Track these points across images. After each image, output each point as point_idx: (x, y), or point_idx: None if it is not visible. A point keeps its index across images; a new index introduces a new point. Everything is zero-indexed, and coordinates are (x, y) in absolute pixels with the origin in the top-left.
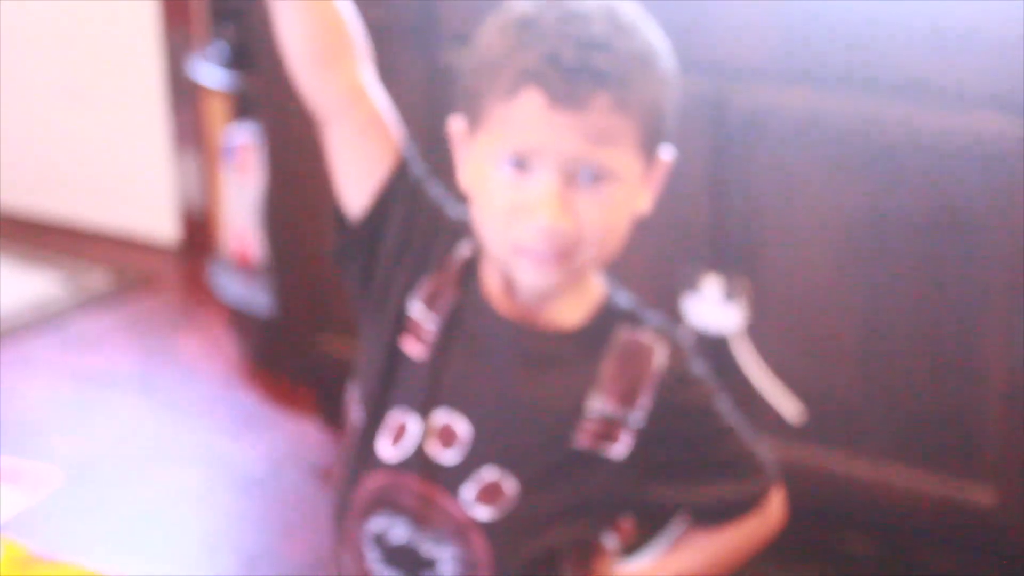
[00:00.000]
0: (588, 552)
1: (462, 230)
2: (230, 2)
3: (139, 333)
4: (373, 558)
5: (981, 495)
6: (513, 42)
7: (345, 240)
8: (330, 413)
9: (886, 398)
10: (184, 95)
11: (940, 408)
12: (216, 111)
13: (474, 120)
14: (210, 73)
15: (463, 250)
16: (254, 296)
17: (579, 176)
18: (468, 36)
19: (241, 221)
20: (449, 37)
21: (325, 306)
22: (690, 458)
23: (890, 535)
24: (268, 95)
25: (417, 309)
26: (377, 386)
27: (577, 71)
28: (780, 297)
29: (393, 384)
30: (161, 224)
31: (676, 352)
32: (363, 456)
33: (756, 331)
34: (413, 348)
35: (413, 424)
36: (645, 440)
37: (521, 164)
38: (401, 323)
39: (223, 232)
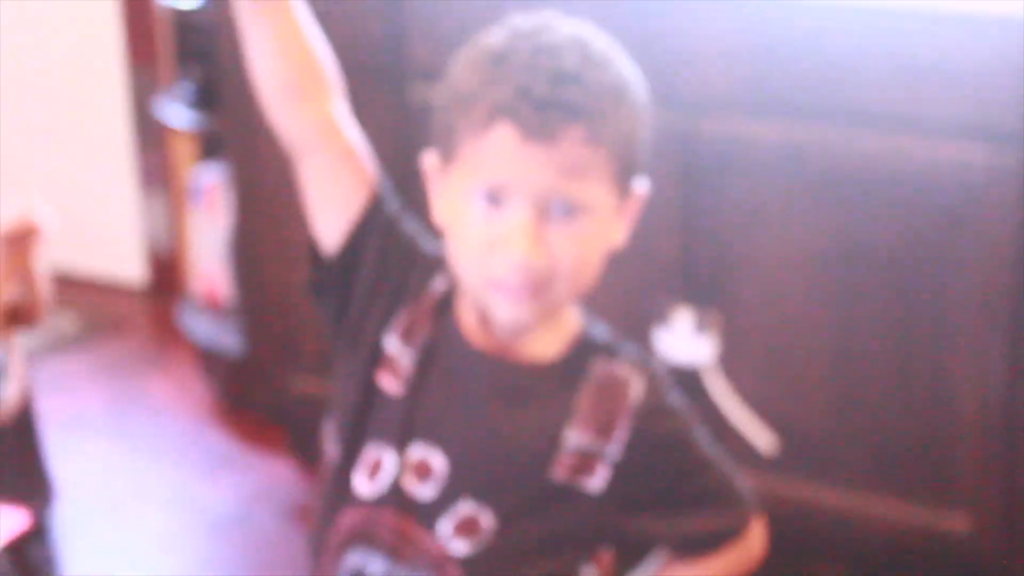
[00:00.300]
0: None
1: (437, 264)
2: (196, 42)
3: (108, 375)
4: None
5: (955, 522)
6: (485, 76)
7: (320, 274)
8: (303, 452)
9: (859, 428)
10: (151, 136)
11: (913, 437)
12: (183, 151)
13: (447, 155)
14: (177, 113)
15: (438, 284)
16: (223, 336)
17: (552, 209)
18: (436, 73)
19: (210, 261)
20: (417, 75)
21: (295, 345)
22: (668, 490)
23: (864, 565)
24: (236, 134)
25: (392, 344)
26: (352, 421)
27: (549, 104)
28: (752, 329)
29: (369, 419)
30: (129, 266)
31: (653, 384)
32: (339, 492)
33: (728, 363)
34: (388, 383)
35: (389, 459)
36: (622, 472)
37: (494, 198)
38: (376, 358)
39: (191, 273)
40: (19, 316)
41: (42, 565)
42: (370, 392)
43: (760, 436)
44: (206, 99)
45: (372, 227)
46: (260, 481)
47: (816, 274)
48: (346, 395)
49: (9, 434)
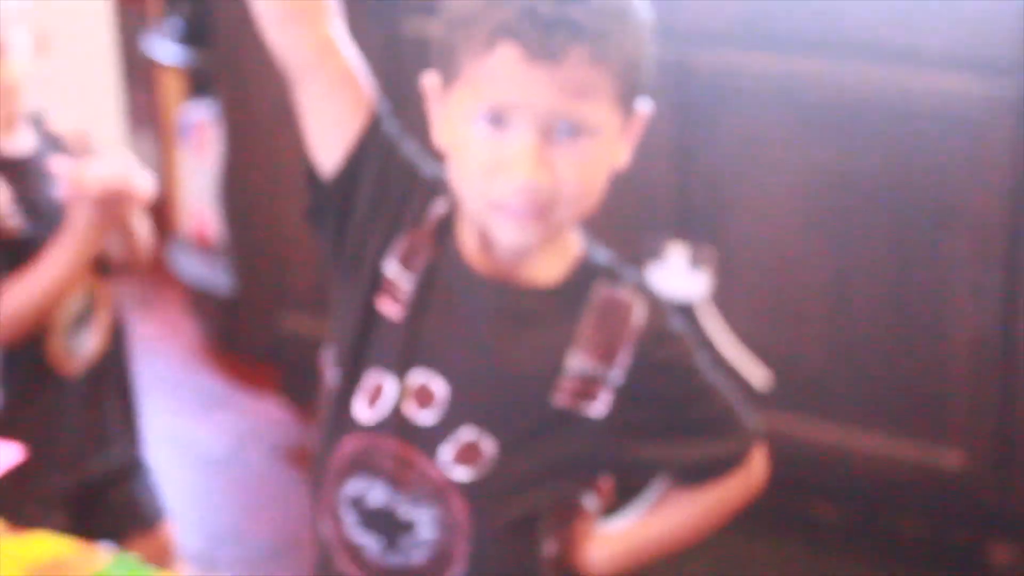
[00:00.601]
0: (569, 513)
1: (437, 187)
2: None
3: None
4: (351, 522)
5: (950, 459)
6: None
7: (318, 199)
8: (293, 392)
9: (853, 364)
10: (139, 74)
11: (907, 373)
12: (172, 89)
13: (449, 76)
14: (165, 50)
15: (439, 207)
16: (214, 276)
17: (556, 131)
18: (429, 7)
19: (199, 200)
20: (410, 8)
21: (286, 284)
22: (670, 416)
23: (858, 501)
24: (226, 70)
25: (392, 268)
26: (352, 347)
27: (553, 24)
28: (746, 264)
29: (369, 345)
30: None
31: (655, 308)
32: (339, 419)
33: (722, 298)
34: (389, 308)
35: (389, 385)
36: (625, 398)
37: (497, 120)
38: (376, 283)
39: (181, 212)
40: (114, 268)
41: (141, 501)
42: (370, 318)
43: (754, 372)
44: (194, 35)
45: (371, 149)
46: (251, 420)
47: (811, 208)
48: (345, 322)
49: (88, 382)
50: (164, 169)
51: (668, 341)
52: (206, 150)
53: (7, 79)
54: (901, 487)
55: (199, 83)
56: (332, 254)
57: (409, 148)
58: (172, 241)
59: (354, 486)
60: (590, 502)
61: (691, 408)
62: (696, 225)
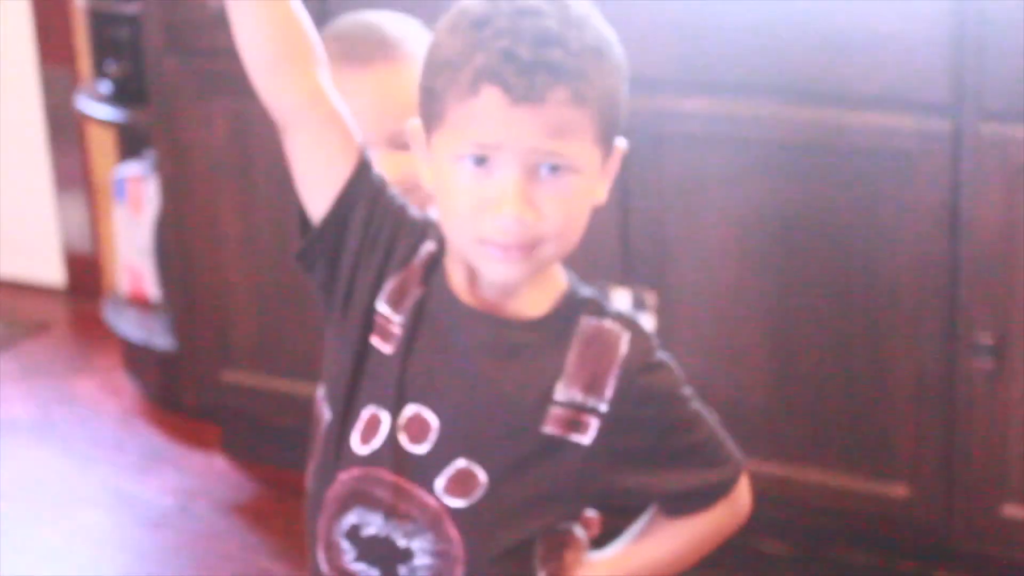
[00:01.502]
0: (560, 541)
1: (426, 228)
2: (115, 35)
3: (35, 378)
4: (349, 554)
5: (895, 491)
6: (468, 41)
7: (308, 242)
8: (235, 447)
9: (797, 401)
10: (66, 135)
11: (851, 408)
12: (103, 148)
13: (433, 119)
14: (96, 109)
15: (427, 247)
16: (151, 333)
17: (540, 169)
18: None
19: (134, 258)
20: None
21: (226, 340)
22: (658, 444)
23: (806, 535)
24: (162, 128)
25: (384, 307)
26: (346, 384)
27: (534, 67)
28: (688, 305)
29: (362, 381)
30: (51, 267)
31: (640, 339)
32: (335, 454)
33: (665, 340)
34: (381, 345)
35: (384, 419)
36: (612, 426)
37: (482, 160)
38: (368, 322)
39: (116, 270)
40: None
41: None
42: (363, 355)
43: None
44: (126, 94)
45: (359, 193)
46: (194, 477)
47: (751, 248)
48: (339, 359)
49: None
50: (95, 227)
51: (654, 370)
52: (141, 207)
53: None
54: (847, 519)
55: (131, 142)
56: (324, 295)
57: (395, 191)
58: (108, 299)
59: (351, 518)
60: (580, 530)
61: (678, 437)
62: (638, 268)
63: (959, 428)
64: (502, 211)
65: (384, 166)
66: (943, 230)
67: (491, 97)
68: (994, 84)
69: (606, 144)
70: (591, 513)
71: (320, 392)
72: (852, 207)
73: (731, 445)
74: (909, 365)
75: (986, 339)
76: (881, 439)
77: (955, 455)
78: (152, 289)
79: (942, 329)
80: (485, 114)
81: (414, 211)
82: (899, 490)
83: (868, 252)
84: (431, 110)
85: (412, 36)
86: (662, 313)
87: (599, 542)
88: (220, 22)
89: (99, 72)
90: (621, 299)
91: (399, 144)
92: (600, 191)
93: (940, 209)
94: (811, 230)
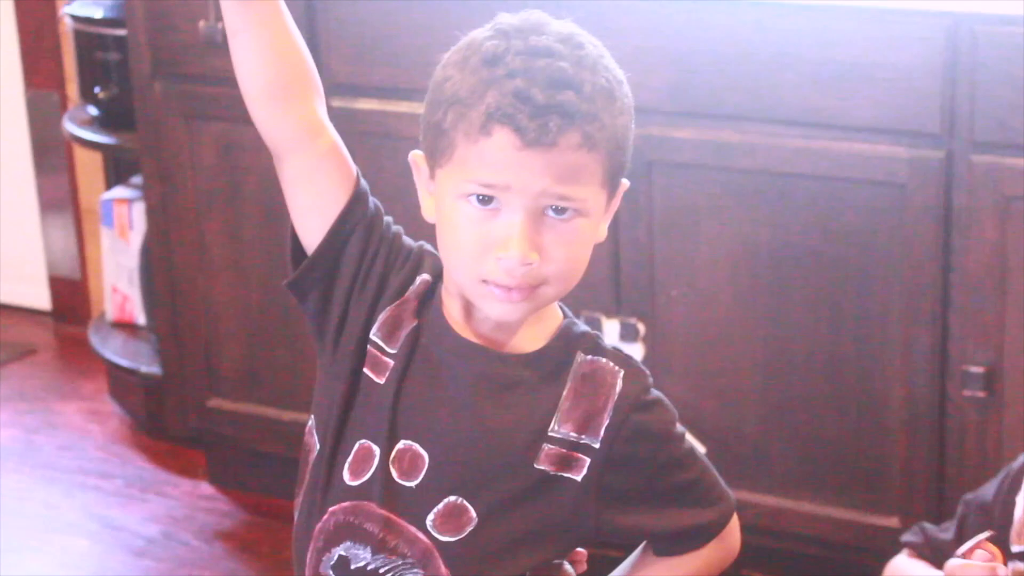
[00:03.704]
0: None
1: (421, 258)
2: (104, 59)
3: (19, 403)
4: None
5: (887, 523)
6: (481, 78)
7: (301, 272)
8: (220, 474)
9: (789, 432)
10: (54, 157)
11: (842, 439)
12: (89, 172)
13: (439, 155)
14: (84, 133)
15: (422, 278)
16: (137, 359)
17: (546, 211)
18: (352, 87)
19: (121, 282)
20: (333, 89)
21: (212, 366)
22: (650, 483)
23: (796, 565)
24: (149, 153)
25: (377, 338)
26: (338, 416)
27: (546, 111)
28: (679, 335)
29: (354, 413)
30: (36, 291)
31: (635, 376)
32: (326, 485)
33: (655, 371)
34: (374, 377)
35: (375, 452)
36: (605, 464)
37: (488, 200)
38: (361, 353)
39: (101, 295)
40: None
41: None
42: (355, 387)
43: (688, 439)
44: (114, 117)
45: (354, 223)
46: (179, 504)
47: (742, 277)
48: (331, 390)
49: None
50: (82, 251)
51: (648, 408)
52: (128, 231)
53: None
54: (839, 550)
55: (118, 166)
56: (316, 326)
57: (390, 222)
58: (94, 324)
59: (340, 551)
60: (569, 566)
61: (670, 476)
62: (627, 297)
63: (950, 458)
64: (507, 253)
65: None
66: (935, 260)
67: (502, 139)
68: (986, 114)
69: (612, 185)
70: (579, 549)
71: (310, 422)
72: (843, 236)
73: (722, 485)
74: (901, 395)
75: (978, 369)
76: (873, 469)
77: (947, 485)
78: (138, 314)
79: (934, 359)
80: (495, 155)
81: (408, 241)
82: (891, 521)
83: (860, 281)
84: (438, 145)
85: None
86: (652, 343)
87: None
88: (208, 47)
89: (86, 96)
90: (611, 329)
91: None
92: (602, 231)
93: (932, 239)
94: (802, 259)
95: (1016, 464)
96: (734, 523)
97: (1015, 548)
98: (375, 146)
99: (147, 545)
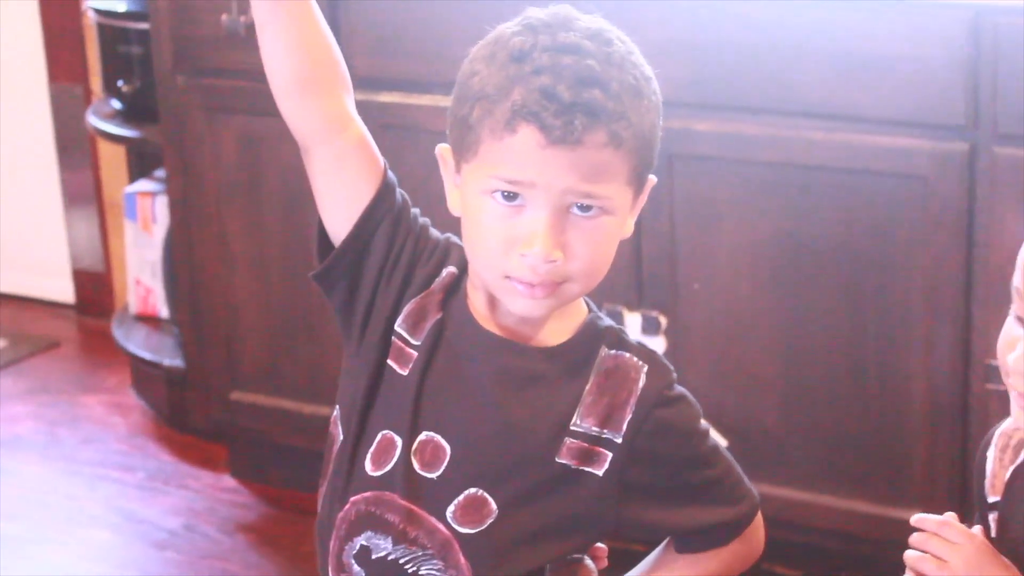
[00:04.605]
0: (570, 571)
1: (448, 251)
2: (127, 52)
3: (42, 396)
4: None
5: (908, 514)
6: (508, 74)
7: (328, 264)
8: (243, 467)
9: (809, 424)
10: (78, 151)
11: (864, 431)
12: (113, 166)
13: (465, 150)
14: (107, 126)
15: (448, 271)
16: (160, 352)
17: (571, 209)
18: (375, 81)
19: (144, 276)
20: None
21: (235, 359)
22: (673, 479)
23: (818, 560)
24: (172, 146)
25: (403, 330)
26: (361, 406)
27: (573, 109)
28: (700, 328)
29: (377, 404)
30: (60, 284)
31: (659, 372)
32: (348, 477)
33: (676, 363)
34: (399, 368)
35: (397, 442)
36: (627, 459)
37: (513, 196)
38: (386, 344)
39: (125, 288)
40: None
41: None
42: (379, 378)
43: (712, 436)
44: (137, 111)
45: (381, 215)
46: (201, 496)
47: (763, 270)
48: (355, 380)
49: None
50: (105, 244)
51: (671, 404)
52: (151, 225)
53: None
54: (860, 544)
55: (141, 159)
56: (342, 317)
57: (417, 214)
58: (117, 317)
59: (362, 541)
60: (589, 561)
61: (694, 473)
62: (649, 290)
63: (973, 451)
64: (531, 250)
65: None
66: (957, 252)
67: (527, 136)
68: (1009, 106)
69: (638, 182)
70: (599, 544)
71: (335, 413)
72: (866, 229)
73: (747, 483)
74: (923, 388)
75: None
76: (894, 463)
77: (969, 478)
78: (161, 307)
79: (956, 351)
80: (520, 152)
81: (435, 233)
82: (912, 515)
83: (882, 274)
84: (464, 140)
85: None
86: (673, 336)
87: (606, 574)
88: (230, 40)
89: (110, 89)
90: (632, 322)
91: None
92: (629, 226)
93: (954, 231)
94: (824, 252)
95: (994, 428)
96: (758, 522)
97: (991, 499)
98: (397, 139)
99: (169, 537)
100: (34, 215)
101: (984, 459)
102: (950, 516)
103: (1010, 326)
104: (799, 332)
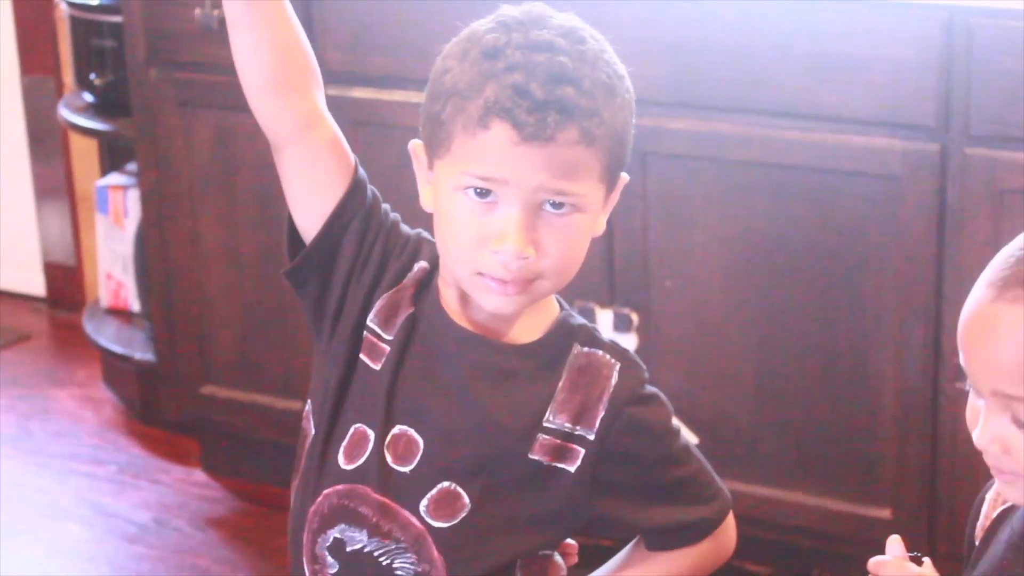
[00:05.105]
0: (540, 567)
1: (419, 246)
2: (100, 45)
3: (13, 389)
4: (332, 568)
5: (879, 514)
6: (480, 71)
7: (300, 261)
8: (213, 461)
9: (781, 422)
10: (49, 143)
11: (835, 429)
12: (84, 159)
13: (438, 146)
14: (79, 119)
15: (419, 266)
16: (131, 346)
17: (543, 206)
18: (347, 76)
19: (116, 269)
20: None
21: (206, 353)
22: (645, 477)
23: (788, 556)
24: (145, 140)
25: (374, 325)
26: (333, 400)
27: (545, 106)
28: (672, 326)
29: (349, 398)
30: (31, 277)
31: (631, 370)
32: (320, 470)
33: (648, 361)
34: (371, 363)
35: (370, 436)
36: (599, 456)
37: (485, 193)
38: (357, 339)
39: (96, 282)
40: None
41: None
42: (351, 372)
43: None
44: (109, 104)
45: (352, 212)
46: (172, 491)
47: (736, 269)
48: (328, 375)
49: None
50: (76, 238)
51: (643, 402)
52: (123, 218)
53: None
54: (831, 541)
55: (113, 152)
56: (313, 313)
57: (388, 210)
58: (88, 310)
59: (335, 534)
60: (559, 557)
61: (666, 471)
62: (621, 288)
63: (943, 450)
64: (503, 246)
65: None
66: (928, 252)
67: (500, 133)
68: (981, 107)
69: (611, 179)
70: (570, 540)
71: (307, 408)
72: (838, 228)
73: (718, 483)
74: (894, 387)
75: None
76: (865, 461)
77: (938, 477)
78: (133, 301)
79: (927, 351)
80: (492, 149)
81: (406, 229)
82: (883, 512)
83: (854, 273)
84: (436, 137)
85: None
86: (645, 333)
87: (576, 571)
88: (203, 34)
89: (82, 82)
90: (604, 319)
91: None
92: (601, 224)
93: (926, 231)
94: (796, 251)
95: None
96: (729, 521)
97: (979, 543)
98: (370, 135)
99: (139, 531)
100: (5, 208)
101: (981, 501)
102: (897, 546)
103: (972, 398)
104: (771, 330)
